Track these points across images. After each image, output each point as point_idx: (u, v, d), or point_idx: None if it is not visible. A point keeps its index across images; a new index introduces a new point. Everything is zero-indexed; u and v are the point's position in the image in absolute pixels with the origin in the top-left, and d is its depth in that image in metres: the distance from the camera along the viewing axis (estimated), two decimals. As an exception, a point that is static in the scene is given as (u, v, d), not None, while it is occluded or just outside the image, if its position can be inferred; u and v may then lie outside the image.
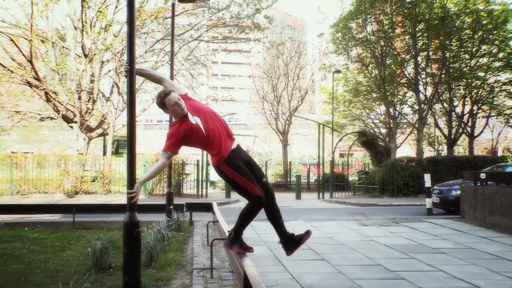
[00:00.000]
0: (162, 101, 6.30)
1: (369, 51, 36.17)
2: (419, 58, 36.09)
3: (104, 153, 36.94)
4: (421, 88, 36.23)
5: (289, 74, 44.89)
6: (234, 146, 6.48)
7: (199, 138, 6.24)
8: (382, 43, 35.23)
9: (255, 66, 54.60)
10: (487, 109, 37.92)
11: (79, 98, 32.71)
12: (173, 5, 17.31)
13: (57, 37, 34.05)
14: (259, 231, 14.69)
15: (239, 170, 6.32)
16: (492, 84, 35.98)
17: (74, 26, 32.88)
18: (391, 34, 34.98)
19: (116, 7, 32.98)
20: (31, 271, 8.89)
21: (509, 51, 33.76)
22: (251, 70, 56.07)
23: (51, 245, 11.93)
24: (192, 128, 6.17)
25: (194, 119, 6.19)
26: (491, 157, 36.82)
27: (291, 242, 6.83)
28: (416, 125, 35.90)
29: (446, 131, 37.69)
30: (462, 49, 35.07)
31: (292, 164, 45.18)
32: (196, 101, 6.70)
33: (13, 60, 32.06)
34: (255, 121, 60.58)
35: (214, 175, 38.14)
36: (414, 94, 36.43)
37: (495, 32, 33.46)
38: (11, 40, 30.94)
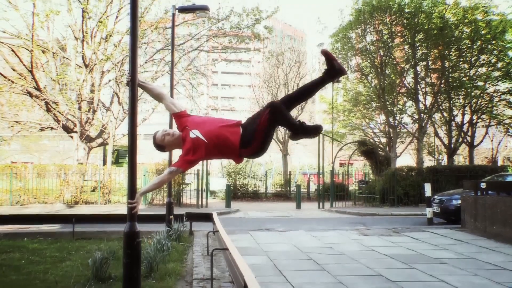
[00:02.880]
0: (156, 144, 6.33)
1: (369, 61, 36.26)
2: (418, 68, 36.17)
3: (104, 163, 36.97)
4: (420, 97, 36.27)
5: (289, 84, 44.95)
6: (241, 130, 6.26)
7: (204, 147, 6.10)
8: (382, 53, 35.32)
9: (255, 76, 54.73)
10: (487, 119, 37.99)
11: (79, 108, 32.74)
12: (173, 15, 17.38)
13: (58, 47, 34.10)
14: (260, 241, 14.71)
15: (256, 138, 5.98)
16: (491, 93, 36.04)
17: (75, 36, 32.97)
18: (390, 44, 35.07)
19: (117, 17, 33.07)
20: (30, 282, 8.89)
21: (507, 61, 33.86)
22: (251, 80, 56.23)
23: (50, 255, 11.94)
24: (193, 142, 6.13)
25: (193, 133, 6.15)
26: (491, 166, 36.81)
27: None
28: (416, 135, 35.94)
29: (446, 141, 37.70)
30: (461, 59, 35.15)
31: (292, 174, 45.17)
32: (196, 116, 6.70)
33: (13, 70, 32.12)
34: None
35: (214, 185, 38.13)
36: (413, 103, 36.50)
37: (493, 42, 33.56)
38: (12, 50, 30.98)
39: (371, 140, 38.13)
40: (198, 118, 6.47)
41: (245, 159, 6.63)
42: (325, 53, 6.05)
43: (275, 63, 45.72)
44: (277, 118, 5.90)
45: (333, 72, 6.01)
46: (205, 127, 6.16)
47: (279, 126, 6.20)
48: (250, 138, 5.94)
